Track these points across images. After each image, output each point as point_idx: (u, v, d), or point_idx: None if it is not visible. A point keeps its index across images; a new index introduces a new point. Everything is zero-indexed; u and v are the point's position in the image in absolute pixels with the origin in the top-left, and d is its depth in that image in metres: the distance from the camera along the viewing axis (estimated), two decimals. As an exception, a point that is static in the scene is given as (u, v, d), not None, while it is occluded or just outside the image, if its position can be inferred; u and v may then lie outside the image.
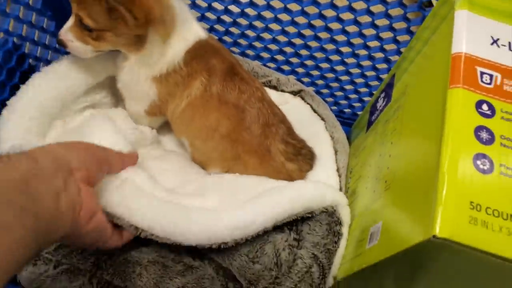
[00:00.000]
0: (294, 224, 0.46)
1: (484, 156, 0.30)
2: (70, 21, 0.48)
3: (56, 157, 0.32)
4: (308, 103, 0.66)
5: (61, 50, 0.61)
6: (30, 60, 0.55)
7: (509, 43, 0.36)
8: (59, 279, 0.46)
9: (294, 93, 0.66)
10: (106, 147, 0.41)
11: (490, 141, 0.31)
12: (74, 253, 0.47)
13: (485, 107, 0.32)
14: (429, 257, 0.31)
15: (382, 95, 0.55)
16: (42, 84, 0.50)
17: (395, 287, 0.39)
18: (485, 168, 0.30)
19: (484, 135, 0.31)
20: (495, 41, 0.35)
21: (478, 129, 0.31)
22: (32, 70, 0.55)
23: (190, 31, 0.52)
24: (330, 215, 0.48)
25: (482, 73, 0.34)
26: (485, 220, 0.28)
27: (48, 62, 0.57)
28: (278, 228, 0.45)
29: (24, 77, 0.53)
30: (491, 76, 0.34)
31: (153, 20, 0.46)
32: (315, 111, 0.66)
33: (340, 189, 0.57)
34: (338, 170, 0.59)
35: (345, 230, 0.48)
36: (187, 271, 0.45)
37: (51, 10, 0.57)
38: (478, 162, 0.30)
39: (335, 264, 0.46)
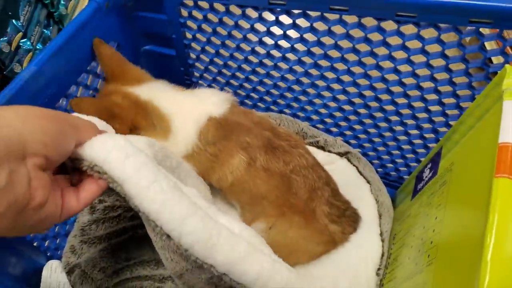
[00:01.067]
0: None
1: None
2: None
3: (8, 142, 0.26)
4: (354, 165, 0.68)
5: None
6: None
7: (556, 135, 0.37)
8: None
9: (341, 154, 0.69)
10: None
11: (534, 233, 0.32)
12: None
13: (530, 198, 0.34)
14: None
15: (429, 165, 0.56)
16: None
17: None
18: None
19: (527, 225, 0.32)
20: (541, 133, 0.37)
21: (523, 220, 0.33)
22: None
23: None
24: None
25: (527, 164, 0.35)
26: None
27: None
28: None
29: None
30: (536, 167, 0.35)
31: (139, 129, 0.51)
32: (361, 173, 0.68)
33: (383, 255, 0.58)
34: (381, 234, 0.60)
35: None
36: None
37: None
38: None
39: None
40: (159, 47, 0.67)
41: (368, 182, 0.66)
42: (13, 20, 1.06)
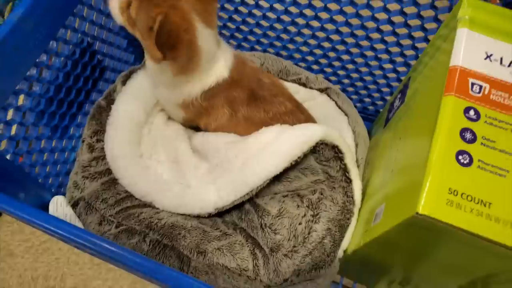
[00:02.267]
0: (311, 203, 0.55)
1: (465, 152, 0.37)
2: None
3: None
4: (333, 100, 0.73)
5: (122, 47, 0.72)
6: (98, 56, 0.67)
7: (501, 58, 0.42)
8: (120, 237, 0.57)
9: (321, 90, 0.73)
10: None
11: (472, 140, 0.38)
12: (132, 216, 0.58)
13: (471, 112, 0.39)
14: (415, 231, 0.39)
15: (399, 95, 0.62)
16: (129, 103, 0.63)
17: (390, 257, 0.47)
18: (465, 162, 0.37)
19: (468, 135, 0.38)
20: (488, 56, 0.42)
21: (464, 130, 0.38)
22: (99, 63, 0.67)
23: (210, 75, 0.56)
24: (345, 194, 0.56)
25: (473, 84, 0.40)
26: (460, 203, 0.35)
27: (111, 57, 0.68)
28: (297, 205, 0.54)
29: (93, 70, 0.64)
30: (480, 86, 0.40)
31: (172, 58, 0.51)
32: (339, 107, 0.73)
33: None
34: (357, 161, 0.67)
35: (356, 210, 0.55)
36: (222, 236, 0.55)
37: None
38: (460, 157, 0.37)
39: (346, 238, 0.54)
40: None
41: (346, 115, 0.72)
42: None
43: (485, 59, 0.42)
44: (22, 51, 0.49)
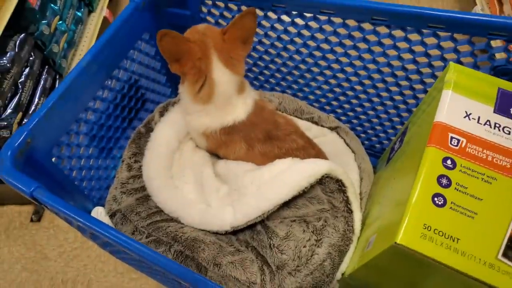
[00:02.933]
0: (316, 229, 0.63)
1: (441, 195, 0.45)
2: None
3: None
4: (342, 138, 0.81)
5: (161, 82, 0.84)
6: (142, 90, 0.79)
7: (478, 117, 0.49)
8: (149, 246, 0.67)
9: (332, 128, 0.82)
10: None
11: (448, 185, 0.46)
12: (160, 228, 0.68)
13: (449, 162, 0.47)
14: (399, 259, 0.46)
15: (399, 138, 0.70)
16: (165, 132, 0.74)
17: (384, 281, 0.54)
18: (440, 203, 0.45)
19: (444, 181, 0.46)
20: (467, 115, 0.50)
21: (441, 176, 0.46)
22: (142, 96, 0.78)
23: (228, 114, 0.66)
24: (346, 223, 0.63)
25: (452, 138, 0.48)
26: (432, 237, 0.43)
27: (152, 91, 0.80)
28: (303, 230, 0.62)
29: (137, 102, 0.76)
30: (458, 140, 0.48)
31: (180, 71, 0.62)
32: (347, 145, 0.81)
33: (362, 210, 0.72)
34: (360, 194, 0.74)
35: (355, 238, 0.63)
36: (236, 252, 0.63)
37: (160, 55, 0.81)
38: (436, 199, 0.45)
39: (344, 262, 0.62)
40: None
41: (353, 152, 0.80)
42: (51, 4, 1.20)
43: (464, 117, 0.50)
44: (86, 89, 0.60)
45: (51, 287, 1.12)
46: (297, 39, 0.71)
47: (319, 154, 0.72)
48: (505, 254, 0.42)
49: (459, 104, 0.50)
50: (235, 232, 0.67)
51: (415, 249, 0.42)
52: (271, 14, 0.68)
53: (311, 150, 0.71)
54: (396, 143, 0.71)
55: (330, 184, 0.65)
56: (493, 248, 0.42)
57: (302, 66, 0.77)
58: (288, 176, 0.63)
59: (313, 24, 0.66)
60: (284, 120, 0.70)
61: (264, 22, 0.70)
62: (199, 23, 0.76)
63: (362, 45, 0.66)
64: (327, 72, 0.76)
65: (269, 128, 0.67)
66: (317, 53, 0.72)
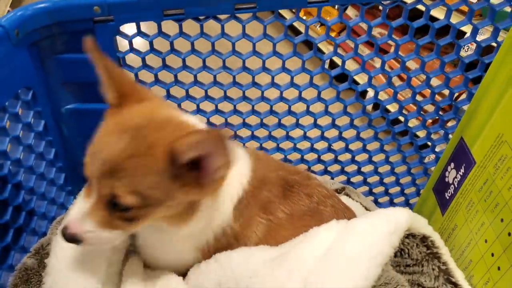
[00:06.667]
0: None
1: None
2: (86, 204, 0.34)
3: None
4: (356, 201, 0.60)
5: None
6: (25, 195, 0.43)
7: None
8: None
9: (339, 190, 0.62)
10: None
11: None
12: None
13: None
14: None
15: (451, 165, 0.48)
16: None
17: None
18: None
19: None
20: None
21: None
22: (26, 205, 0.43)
23: (236, 182, 0.42)
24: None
25: None
26: None
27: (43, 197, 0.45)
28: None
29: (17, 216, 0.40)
30: None
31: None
32: (366, 208, 0.58)
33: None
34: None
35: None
36: None
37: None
38: None
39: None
40: (88, 104, 0.51)
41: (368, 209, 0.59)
42: None
43: None
44: None
45: None
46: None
47: (347, 207, 0.49)
48: None
49: None
50: None
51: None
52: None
53: (339, 201, 0.48)
54: (446, 175, 0.49)
55: (412, 249, 0.37)
56: None
57: (305, 144, 0.62)
58: (350, 247, 0.34)
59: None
60: (285, 164, 0.52)
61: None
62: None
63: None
64: (338, 145, 0.62)
65: (279, 174, 0.45)
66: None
